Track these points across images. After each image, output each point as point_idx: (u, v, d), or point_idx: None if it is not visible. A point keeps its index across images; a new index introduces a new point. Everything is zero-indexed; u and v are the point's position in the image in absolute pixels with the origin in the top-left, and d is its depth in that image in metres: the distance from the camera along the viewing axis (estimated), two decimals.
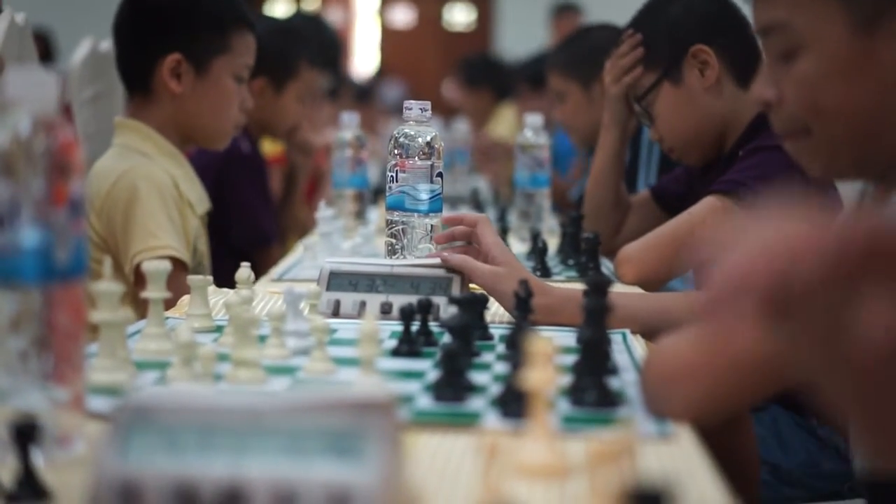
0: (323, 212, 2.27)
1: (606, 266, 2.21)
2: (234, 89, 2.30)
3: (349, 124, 2.78)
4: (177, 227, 2.13)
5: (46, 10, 2.93)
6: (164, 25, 2.25)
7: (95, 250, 2.07)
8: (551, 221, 2.87)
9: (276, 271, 2.19)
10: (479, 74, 6.55)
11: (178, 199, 2.18)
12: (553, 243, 2.45)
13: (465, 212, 1.71)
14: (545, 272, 2.09)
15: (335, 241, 2.23)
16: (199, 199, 2.30)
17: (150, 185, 2.12)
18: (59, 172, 0.96)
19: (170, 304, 1.41)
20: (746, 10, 1.29)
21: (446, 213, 1.79)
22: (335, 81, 4.93)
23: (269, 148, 3.70)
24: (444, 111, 6.90)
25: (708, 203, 2.01)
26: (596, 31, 3.08)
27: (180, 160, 2.28)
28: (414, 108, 1.82)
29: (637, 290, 1.91)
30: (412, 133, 1.80)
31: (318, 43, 4.28)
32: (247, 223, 3.03)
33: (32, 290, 0.96)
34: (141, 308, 1.68)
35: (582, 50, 3.04)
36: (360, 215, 2.74)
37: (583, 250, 2.14)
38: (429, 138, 1.80)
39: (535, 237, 2.20)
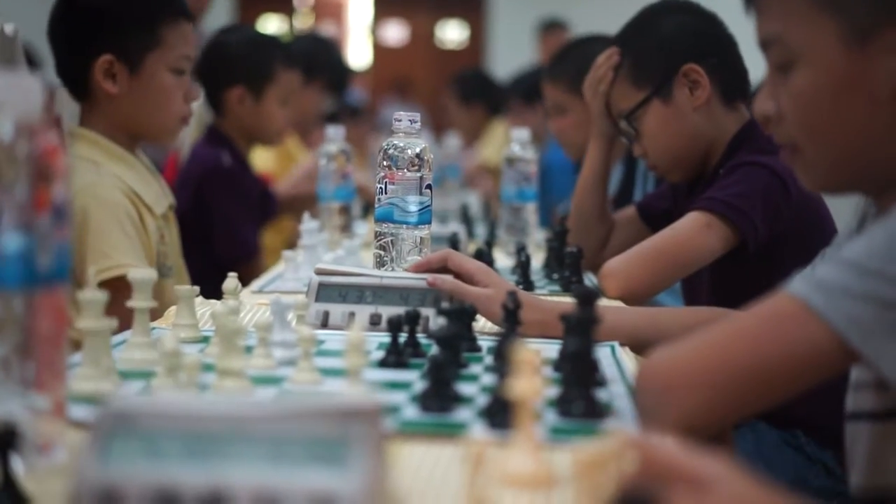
0: (307, 224, 2.25)
1: (590, 280, 2.21)
2: (172, 83, 2.24)
3: (335, 137, 2.76)
4: (132, 242, 2.09)
5: (29, 26, 2.90)
6: (93, 27, 2.21)
7: None
8: (538, 235, 2.86)
9: (257, 283, 2.18)
10: (473, 90, 6.56)
11: (132, 209, 2.14)
12: (539, 257, 2.45)
13: (429, 253, 1.68)
14: (528, 286, 2.08)
15: (319, 253, 2.21)
16: (157, 197, 2.25)
17: (99, 204, 2.08)
18: (41, 178, 0.95)
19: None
20: (747, 23, 1.29)
21: (435, 227, 1.76)
22: (339, 105, 4.93)
23: (261, 163, 3.69)
24: (436, 127, 6.90)
25: (691, 218, 2.02)
26: (593, 43, 3.04)
27: (131, 162, 2.23)
28: (403, 119, 1.81)
29: (620, 304, 1.91)
30: (401, 145, 1.80)
31: (329, 66, 4.29)
32: (228, 237, 3.02)
33: (14, 296, 0.94)
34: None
35: (581, 62, 3.02)
36: (345, 228, 2.71)
37: (566, 264, 2.14)
38: (418, 150, 1.79)
39: (520, 251, 2.19)
